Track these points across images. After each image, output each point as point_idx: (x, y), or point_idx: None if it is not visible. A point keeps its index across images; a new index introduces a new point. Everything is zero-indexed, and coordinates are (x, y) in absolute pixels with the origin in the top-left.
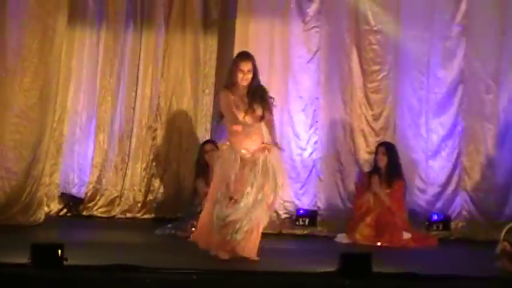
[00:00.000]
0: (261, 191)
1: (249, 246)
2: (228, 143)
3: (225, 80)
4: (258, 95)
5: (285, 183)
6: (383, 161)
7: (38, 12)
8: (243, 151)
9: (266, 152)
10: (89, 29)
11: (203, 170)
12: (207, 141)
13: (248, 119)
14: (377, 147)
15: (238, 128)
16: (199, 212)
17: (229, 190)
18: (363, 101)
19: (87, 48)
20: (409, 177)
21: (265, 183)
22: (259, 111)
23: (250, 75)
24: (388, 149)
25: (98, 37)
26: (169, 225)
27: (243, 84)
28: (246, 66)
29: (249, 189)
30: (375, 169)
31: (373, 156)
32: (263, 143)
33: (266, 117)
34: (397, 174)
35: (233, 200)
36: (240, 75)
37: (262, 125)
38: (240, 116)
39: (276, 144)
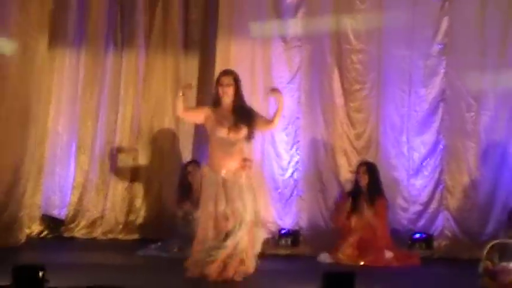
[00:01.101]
0: (246, 208)
1: (232, 267)
2: (207, 166)
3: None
4: (244, 115)
5: (267, 203)
6: (364, 180)
7: (17, 32)
8: (223, 171)
9: (247, 168)
10: (69, 50)
11: (187, 190)
12: (189, 162)
13: (232, 136)
14: (358, 167)
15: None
16: (184, 233)
17: (215, 213)
18: (345, 120)
19: (67, 69)
20: (391, 195)
21: (248, 200)
22: (244, 131)
23: (230, 90)
24: (369, 168)
25: (78, 58)
26: (152, 246)
27: (225, 100)
28: (225, 79)
29: (235, 208)
30: (356, 188)
31: (354, 175)
32: (244, 160)
33: (252, 136)
34: (379, 193)
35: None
36: (220, 90)
37: (245, 144)
38: (223, 132)
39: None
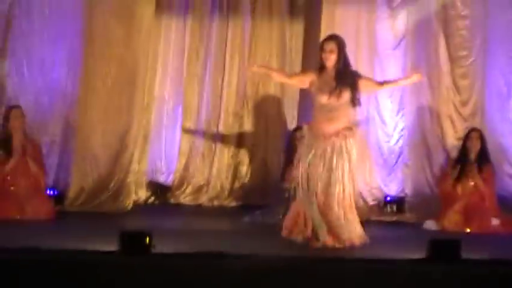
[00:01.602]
0: (334, 176)
1: (334, 234)
2: (308, 126)
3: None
4: (347, 79)
5: (371, 169)
6: (476, 146)
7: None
8: (322, 134)
9: (342, 137)
10: (175, 16)
11: (294, 156)
12: (297, 128)
13: (333, 101)
14: (469, 132)
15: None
16: (288, 199)
17: (306, 174)
18: (451, 86)
19: (173, 35)
20: (498, 162)
21: (339, 168)
22: (346, 95)
23: (333, 56)
24: (481, 134)
25: (184, 24)
26: (257, 212)
27: (328, 65)
28: (327, 46)
29: (320, 171)
30: (463, 154)
31: (461, 142)
32: (346, 128)
33: (356, 100)
34: (487, 159)
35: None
36: (323, 56)
37: (350, 110)
38: (324, 98)
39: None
